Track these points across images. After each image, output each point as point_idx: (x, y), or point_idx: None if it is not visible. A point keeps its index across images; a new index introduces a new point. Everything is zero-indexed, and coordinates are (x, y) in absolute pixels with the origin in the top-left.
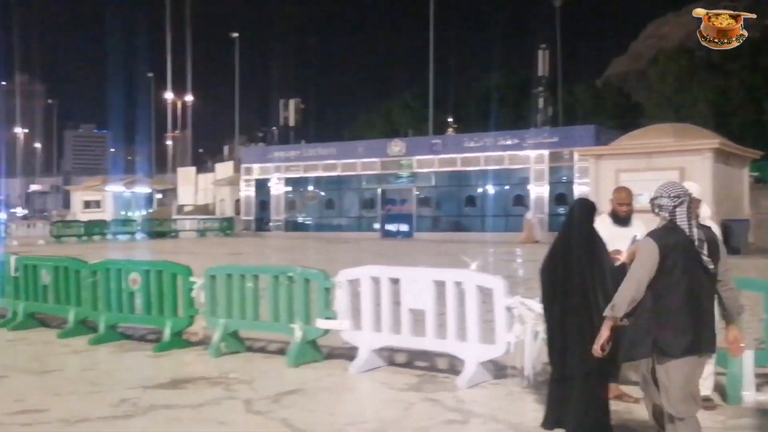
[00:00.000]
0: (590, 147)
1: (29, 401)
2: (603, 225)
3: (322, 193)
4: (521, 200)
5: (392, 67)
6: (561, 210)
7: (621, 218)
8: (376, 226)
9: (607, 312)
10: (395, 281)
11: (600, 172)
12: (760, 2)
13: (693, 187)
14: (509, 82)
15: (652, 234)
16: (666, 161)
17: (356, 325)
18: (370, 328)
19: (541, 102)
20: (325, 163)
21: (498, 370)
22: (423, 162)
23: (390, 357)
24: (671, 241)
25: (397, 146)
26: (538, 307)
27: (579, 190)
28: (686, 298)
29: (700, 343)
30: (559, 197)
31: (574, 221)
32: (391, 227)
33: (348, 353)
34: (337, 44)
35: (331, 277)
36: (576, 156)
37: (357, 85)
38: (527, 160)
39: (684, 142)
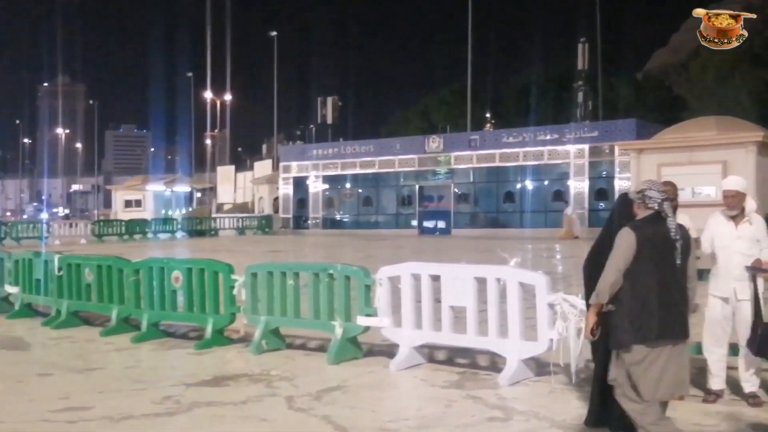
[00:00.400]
0: (631, 141)
1: (73, 398)
2: None
3: (360, 191)
4: (561, 195)
5: (429, 63)
6: (601, 205)
7: None
8: (414, 223)
9: (592, 300)
10: (436, 278)
11: (641, 167)
12: None
13: (738, 181)
14: (548, 77)
15: (631, 225)
16: (708, 155)
17: (396, 322)
18: (410, 325)
19: (580, 96)
20: (363, 160)
21: (540, 367)
22: (461, 158)
23: (430, 354)
24: (649, 232)
25: (434, 142)
26: (581, 303)
27: (620, 184)
28: (658, 288)
29: (669, 330)
30: (600, 192)
31: (618, 216)
32: (428, 224)
33: (388, 350)
34: (374, 41)
35: (371, 274)
36: (617, 150)
37: (394, 82)
38: (567, 155)
39: (727, 135)
